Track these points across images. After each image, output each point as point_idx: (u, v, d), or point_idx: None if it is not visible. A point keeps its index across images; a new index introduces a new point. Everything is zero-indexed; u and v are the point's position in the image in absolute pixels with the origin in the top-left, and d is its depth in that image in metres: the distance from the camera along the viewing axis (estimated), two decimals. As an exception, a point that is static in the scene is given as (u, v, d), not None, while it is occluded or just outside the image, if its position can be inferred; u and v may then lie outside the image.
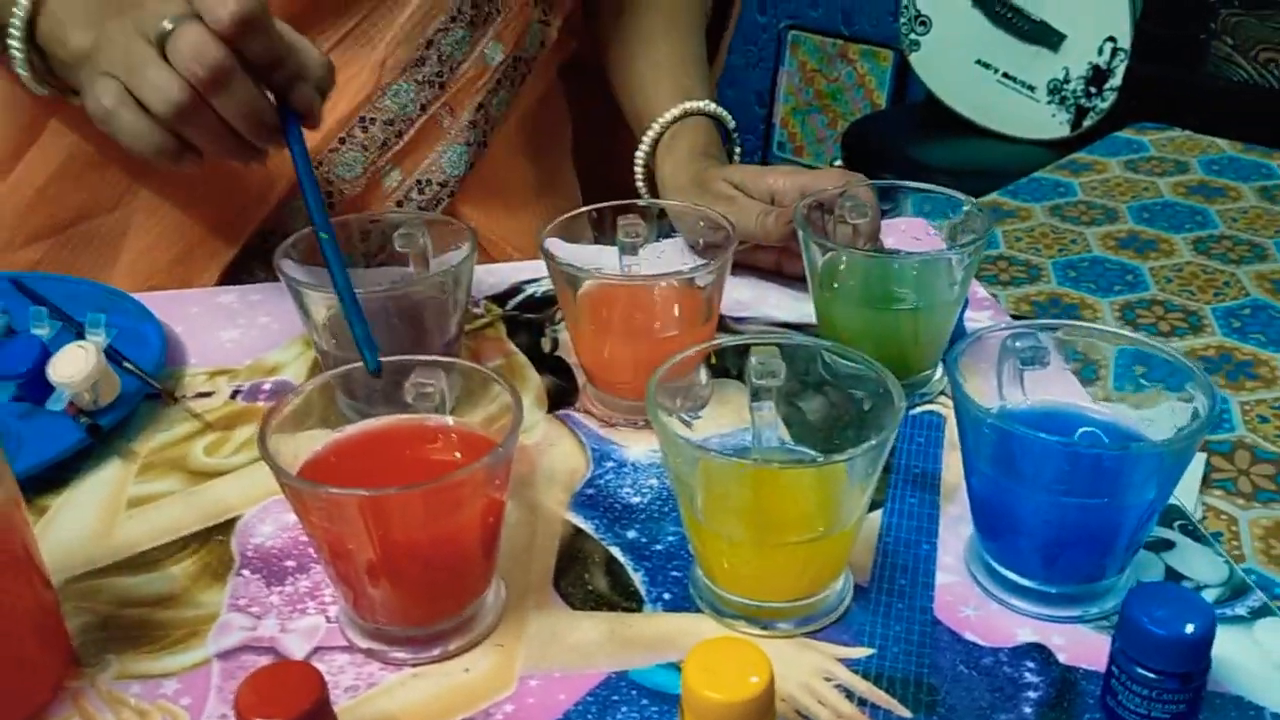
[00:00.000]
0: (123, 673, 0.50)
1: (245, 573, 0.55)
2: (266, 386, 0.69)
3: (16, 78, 0.71)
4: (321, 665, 0.50)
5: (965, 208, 0.68)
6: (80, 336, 0.65)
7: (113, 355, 0.65)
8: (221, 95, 0.58)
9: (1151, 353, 0.54)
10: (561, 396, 0.68)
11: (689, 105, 0.85)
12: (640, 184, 0.85)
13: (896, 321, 0.66)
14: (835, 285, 0.67)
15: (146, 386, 0.66)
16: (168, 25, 0.58)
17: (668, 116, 0.85)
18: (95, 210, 0.83)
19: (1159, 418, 0.52)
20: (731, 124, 0.88)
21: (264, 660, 0.50)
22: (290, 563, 0.56)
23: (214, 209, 0.83)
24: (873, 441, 0.48)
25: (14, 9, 0.66)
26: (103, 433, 0.62)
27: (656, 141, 0.85)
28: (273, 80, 0.61)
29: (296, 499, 0.48)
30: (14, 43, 0.67)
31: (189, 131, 0.59)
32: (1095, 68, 2.02)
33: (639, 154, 0.84)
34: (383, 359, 0.55)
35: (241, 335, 0.74)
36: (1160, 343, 0.54)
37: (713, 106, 0.87)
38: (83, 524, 0.58)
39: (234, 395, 0.68)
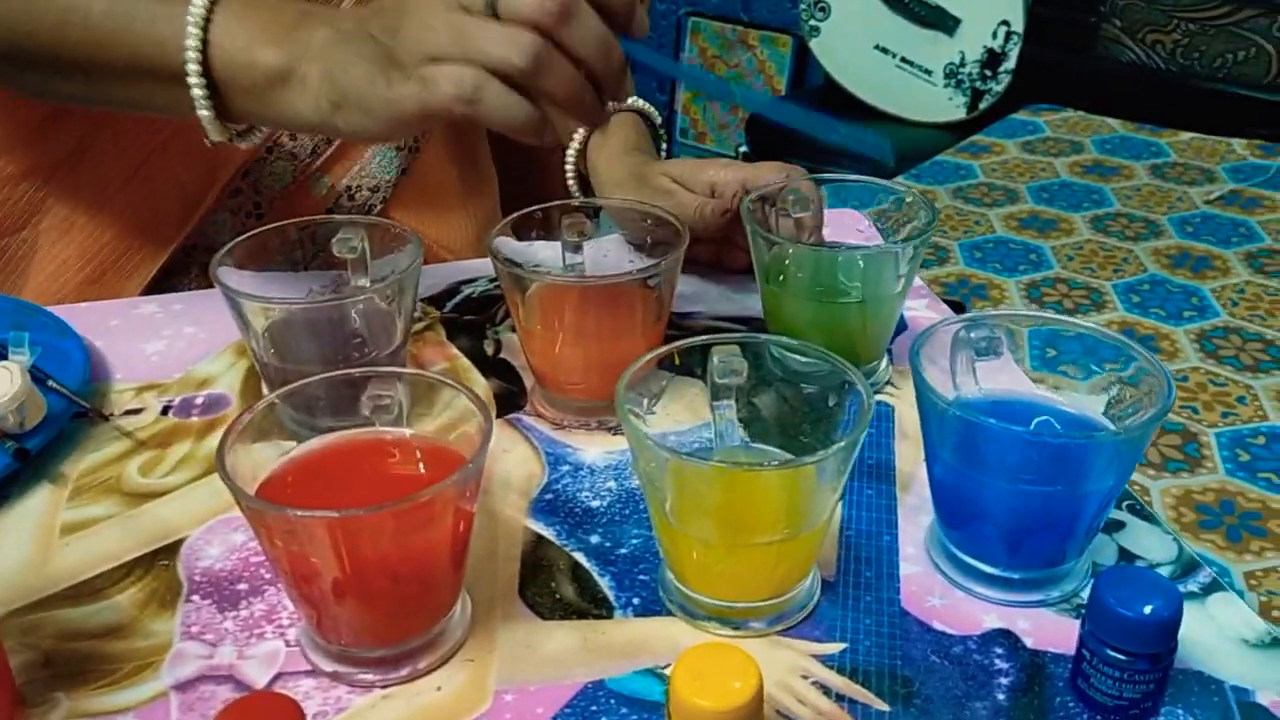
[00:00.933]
0: (74, 711, 0.47)
1: (195, 598, 0.53)
2: (199, 400, 0.67)
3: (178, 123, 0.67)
4: (285, 692, 0.48)
5: (906, 199, 0.69)
6: (3, 356, 0.62)
7: (37, 375, 0.62)
8: (572, 26, 0.55)
9: (1098, 338, 0.55)
10: (509, 400, 0.67)
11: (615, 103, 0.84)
12: (571, 182, 0.84)
13: (844, 314, 0.67)
14: (782, 279, 0.67)
15: (74, 406, 0.63)
16: None
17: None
18: (1, 231, 0.79)
19: (1097, 401, 0.54)
20: (658, 119, 0.88)
21: (224, 690, 0.48)
22: (243, 585, 0.54)
23: (131, 226, 0.79)
24: (843, 442, 0.48)
25: (185, 52, 0.62)
26: (30, 456, 0.59)
27: (586, 139, 0.84)
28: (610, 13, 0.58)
29: (258, 521, 0.46)
30: (194, 83, 0.62)
31: (549, 81, 0.55)
32: (990, 51, 2.07)
33: (569, 153, 0.83)
34: (332, 373, 0.53)
35: (167, 347, 0.71)
36: (1091, 323, 0.55)
37: (640, 102, 0.86)
38: (16, 554, 0.55)
39: (165, 411, 0.66)
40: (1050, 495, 0.50)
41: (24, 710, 0.48)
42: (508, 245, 0.66)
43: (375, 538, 0.46)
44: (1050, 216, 1.52)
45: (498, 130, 0.57)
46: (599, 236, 0.71)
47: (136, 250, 0.80)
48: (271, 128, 0.68)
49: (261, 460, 0.50)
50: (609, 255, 0.68)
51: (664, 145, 0.89)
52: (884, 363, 0.69)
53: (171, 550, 0.56)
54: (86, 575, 0.54)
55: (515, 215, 0.66)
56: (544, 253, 0.69)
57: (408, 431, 0.52)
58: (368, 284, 0.65)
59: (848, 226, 0.84)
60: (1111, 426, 0.52)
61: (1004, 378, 0.58)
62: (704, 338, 0.55)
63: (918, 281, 0.79)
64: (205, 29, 0.62)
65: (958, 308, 1.29)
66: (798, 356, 0.54)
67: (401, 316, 0.63)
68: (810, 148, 2.12)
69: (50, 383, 0.63)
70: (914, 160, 1.66)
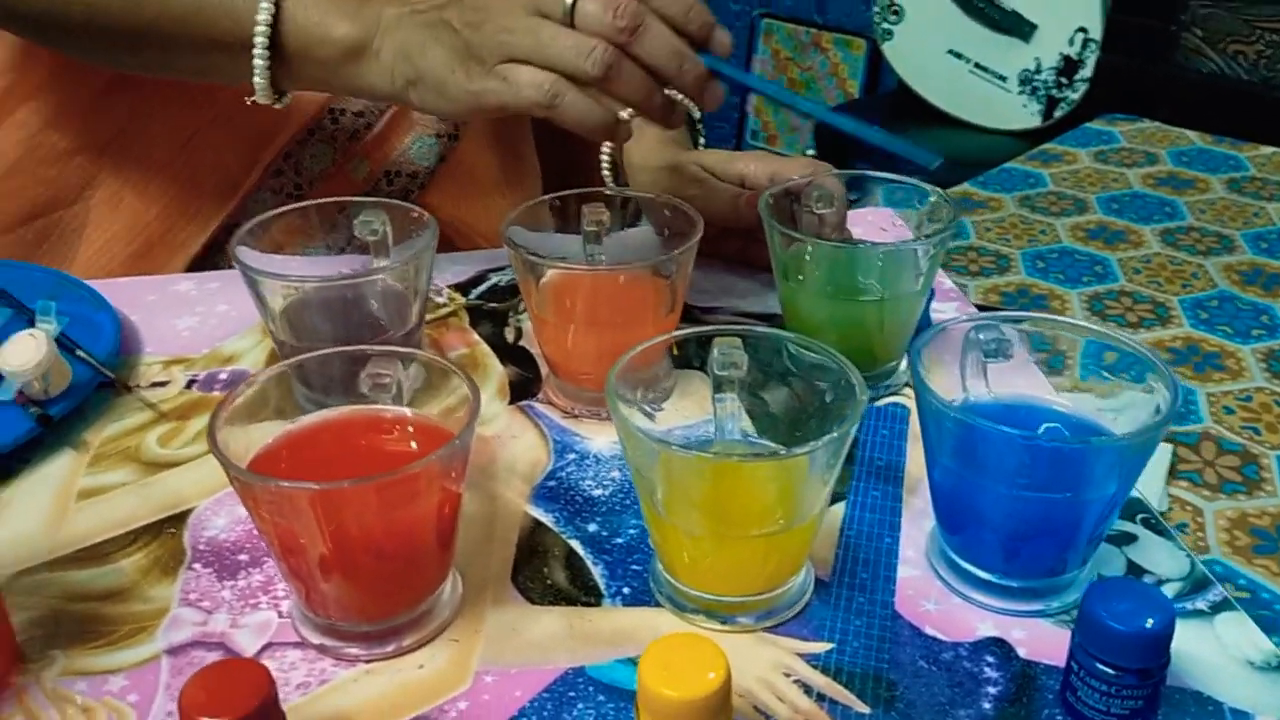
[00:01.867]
0: (69, 669, 0.49)
1: (196, 566, 0.54)
2: (223, 376, 0.68)
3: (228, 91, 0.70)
4: (272, 662, 0.49)
5: (931, 198, 0.67)
6: (32, 324, 0.64)
7: (65, 343, 0.64)
8: (643, 39, 0.60)
9: (1116, 345, 0.53)
10: (524, 387, 0.68)
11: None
12: (606, 171, 0.84)
13: (862, 312, 0.65)
14: (800, 276, 0.66)
15: (100, 376, 0.64)
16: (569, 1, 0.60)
17: None
18: (54, 204, 0.82)
19: (1123, 409, 0.52)
20: (697, 113, 0.87)
21: (214, 656, 0.49)
22: (243, 556, 0.55)
23: (176, 203, 0.81)
24: (834, 434, 0.47)
25: (255, 20, 0.65)
26: (53, 422, 0.61)
27: None
28: (686, 33, 0.62)
29: (246, 493, 0.47)
30: (258, 53, 0.66)
31: (621, 88, 0.60)
32: (1066, 58, 2.02)
33: (606, 142, 0.83)
34: (341, 349, 0.54)
35: (199, 323, 0.73)
36: (1125, 334, 0.54)
37: (678, 95, 0.86)
38: (32, 516, 0.57)
39: (189, 385, 0.67)
40: (1049, 502, 0.49)
41: (21, 665, 0.49)
42: (529, 236, 0.66)
43: (359, 512, 0.47)
44: (1119, 228, 1.48)
45: (573, 130, 0.61)
46: (623, 228, 0.70)
47: (181, 227, 0.82)
48: (339, 94, 0.71)
49: (264, 434, 0.51)
50: (629, 246, 0.68)
51: (701, 140, 0.88)
52: (903, 364, 0.67)
53: (180, 519, 0.57)
54: (96, 539, 0.56)
55: (531, 203, 0.67)
56: (570, 244, 0.69)
57: (407, 411, 0.53)
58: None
59: (876, 225, 0.83)
60: (1117, 433, 0.51)
61: (1021, 381, 0.57)
62: (702, 329, 0.54)
63: (948, 284, 0.78)
64: (278, 2, 0.65)
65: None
66: (801, 350, 0.53)
67: (416, 299, 0.64)
68: (878, 152, 2.10)
69: (79, 352, 0.64)
70: (985, 167, 1.63)
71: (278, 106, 0.70)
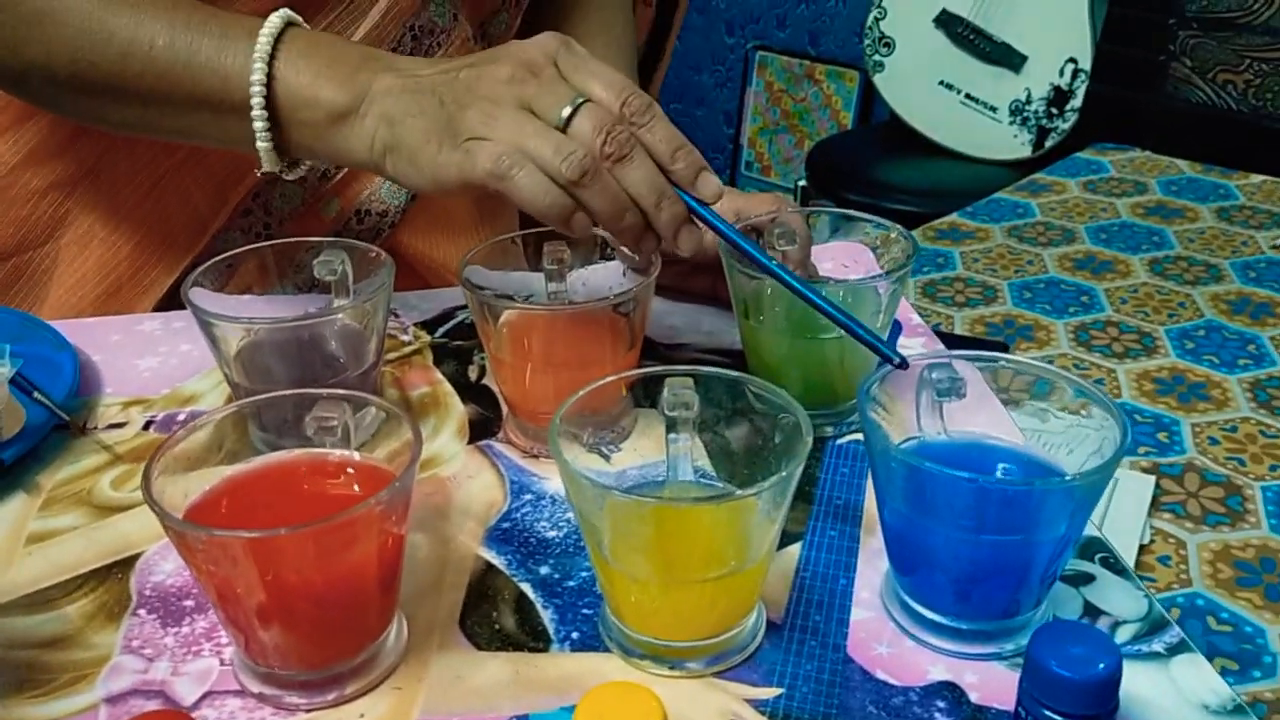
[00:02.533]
0: (5, 718, 0.48)
1: (141, 612, 0.53)
2: (181, 416, 0.68)
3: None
4: (211, 711, 0.48)
5: (891, 234, 0.67)
6: (-15, 367, 0.64)
7: (21, 385, 0.64)
8: (627, 166, 0.59)
9: (1070, 383, 0.53)
10: (485, 426, 0.67)
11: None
12: None
13: (822, 350, 0.65)
14: (760, 315, 0.65)
15: (55, 417, 0.64)
16: (568, 110, 0.59)
17: None
18: (23, 246, 0.82)
19: (1077, 448, 0.52)
20: None
21: (153, 705, 0.49)
22: (189, 602, 0.54)
23: (146, 243, 0.81)
24: (780, 474, 0.46)
25: (250, 86, 0.64)
26: (5, 466, 0.61)
27: None
28: (671, 173, 0.61)
29: (180, 541, 0.46)
30: (257, 115, 0.65)
31: (594, 198, 0.59)
32: (1056, 89, 2.02)
33: None
34: (284, 392, 0.53)
35: (160, 364, 0.73)
36: (1074, 375, 0.53)
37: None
38: (-22, 562, 0.57)
39: (147, 426, 0.67)
40: (999, 544, 0.48)
41: (-43, 716, 0.48)
42: (490, 275, 0.66)
43: (296, 559, 0.46)
44: (1107, 258, 1.47)
45: (529, 212, 0.60)
46: (586, 265, 0.70)
47: (151, 267, 0.82)
48: (321, 162, 0.70)
49: (203, 479, 0.50)
50: (588, 283, 0.68)
51: None
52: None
53: (127, 564, 0.57)
54: (43, 585, 0.55)
55: (490, 241, 0.66)
56: (533, 282, 0.69)
57: (354, 454, 0.52)
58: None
59: (842, 259, 0.82)
60: (1068, 472, 0.50)
61: (982, 418, 0.56)
62: (654, 369, 0.54)
63: (916, 320, 0.77)
64: (270, 64, 0.64)
65: (1001, 348, 1.26)
66: (751, 391, 0.53)
67: (374, 338, 0.63)
68: (867, 183, 2.10)
69: (35, 394, 0.64)
70: (976, 197, 1.63)
71: (289, 178, 0.69)
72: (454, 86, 0.61)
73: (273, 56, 0.64)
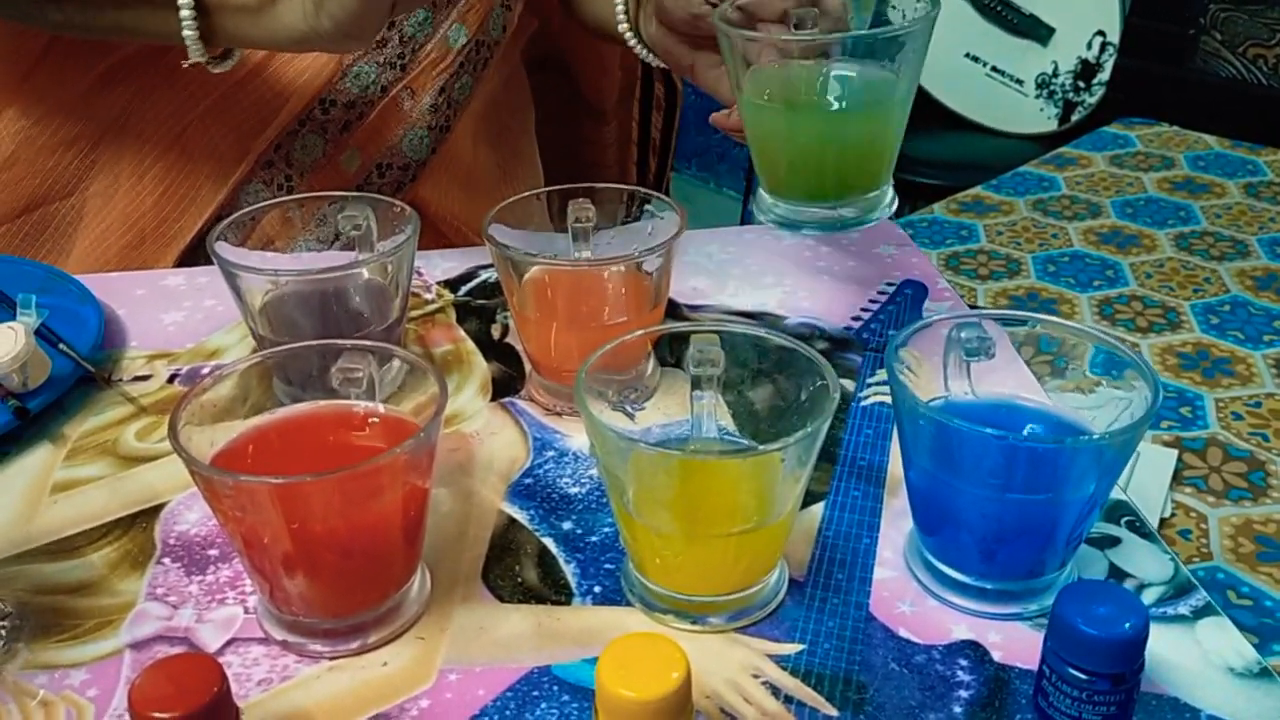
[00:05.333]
0: (31, 662, 0.48)
1: (165, 561, 0.54)
2: (205, 370, 0.68)
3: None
4: (235, 657, 0.49)
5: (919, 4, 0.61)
6: (13, 317, 0.64)
7: (47, 336, 0.64)
8: None
9: (1101, 344, 0.52)
10: (507, 384, 0.67)
11: None
12: (624, 25, 0.80)
13: (819, 124, 0.61)
14: (769, 93, 0.61)
15: (80, 369, 0.64)
16: None
17: None
18: (49, 197, 0.82)
19: (1106, 409, 0.51)
20: None
21: (177, 651, 0.49)
22: (213, 551, 0.54)
23: (169, 194, 0.81)
24: (805, 430, 0.46)
25: None
26: (31, 415, 0.61)
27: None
28: None
29: (207, 488, 0.46)
30: (184, 9, 0.66)
31: None
32: (1084, 62, 2.00)
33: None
34: (310, 343, 0.53)
35: (185, 318, 0.73)
36: (1109, 333, 0.52)
37: None
38: (5, 509, 0.57)
39: (171, 379, 0.67)
40: (1026, 503, 0.48)
41: (-15, 658, 0.49)
42: (515, 234, 0.65)
43: (322, 507, 0.46)
44: (1132, 232, 1.46)
45: None
46: (613, 225, 0.70)
47: (175, 219, 0.82)
48: (260, 48, 0.70)
49: (228, 430, 0.51)
50: (612, 243, 0.67)
51: None
52: (888, 195, 0.64)
53: (152, 514, 0.57)
54: (68, 532, 0.56)
55: (514, 199, 0.66)
56: (558, 241, 0.69)
57: (380, 407, 0.52)
58: (371, 261, 0.65)
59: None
60: (1096, 433, 0.50)
61: (1010, 380, 0.56)
62: (679, 325, 0.54)
63: (942, 284, 0.77)
64: None
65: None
66: (779, 347, 0.52)
67: (398, 294, 0.63)
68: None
69: (60, 345, 0.64)
70: (1001, 170, 1.61)
71: (215, 69, 0.70)
72: None
73: None
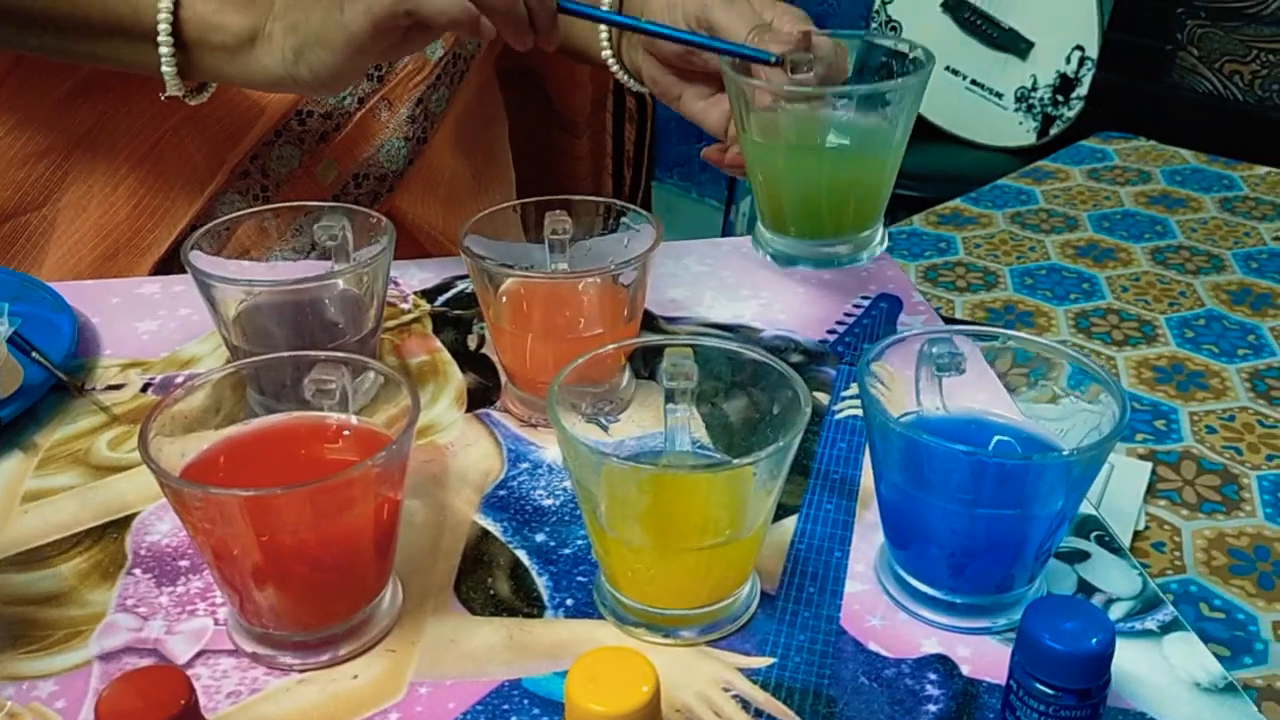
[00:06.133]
0: (-1, 673, 0.48)
1: (136, 571, 0.54)
2: (179, 379, 0.68)
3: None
4: (205, 669, 0.48)
5: (912, 53, 0.66)
6: (-17, 326, 0.63)
7: (20, 344, 0.64)
8: None
9: (1072, 361, 0.52)
10: (483, 395, 0.67)
11: None
12: (606, 4, 0.79)
13: (818, 162, 0.64)
14: (769, 132, 0.64)
15: (53, 377, 0.64)
16: None
17: None
18: (20, 209, 0.82)
19: (1075, 425, 0.51)
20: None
21: (146, 663, 0.49)
22: (184, 562, 0.54)
23: (143, 205, 0.81)
24: (778, 444, 0.46)
25: (157, 9, 0.67)
26: (2, 424, 0.61)
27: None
28: None
29: (177, 499, 0.46)
30: (163, 41, 0.68)
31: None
32: (1063, 76, 2.02)
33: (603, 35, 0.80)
34: (283, 354, 0.53)
35: (160, 327, 0.73)
36: (1077, 350, 0.53)
37: None
38: (-26, 519, 0.57)
39: (145, 388, 0.67)
40: (995, 518, 0.48)
41: (-49, 669, 0.48)
42: (492, 244, 0.65)
43: (292, 520, 0.46)
44: (1109, 246, 1.47)
45: (438, 27, 0.62)
46: (588, 237, 0.70)
47: (149, 230, 0.82)
48: (238, 85, 0.72)
49: (200, 440, 0.50)
50: (589, 254, 0.68)
51: None
52: (880, 232, 0.66)
53: (123, 524, 0.57)
54: (37, 543, 0.55)
55: (491, 210, 0.66)
56: (534, 253, 0.69)
57: (353, 418, 0.52)
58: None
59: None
60: (1064, 449, 0.50)
61: (981, 395, 0.56)
62: (653, 338, 0.54)
63: (917, 297, 0.77)
64: None
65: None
66: (751, 361, 0.53)
67: (373, 304, 0.63)
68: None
69: (34, 354, 0.64)
70: (981, 183, 1.62)
71: (192, 102, 0.72)
72: None
73: None
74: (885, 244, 0.68)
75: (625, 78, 0.81)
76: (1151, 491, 1.00)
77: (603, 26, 0.79)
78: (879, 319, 0.75)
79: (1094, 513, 0.57)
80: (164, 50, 0.68)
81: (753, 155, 0.66)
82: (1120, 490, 0.99)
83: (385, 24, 0.62)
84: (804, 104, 0.63)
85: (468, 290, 0.78)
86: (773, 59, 0.63)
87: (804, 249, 0.67)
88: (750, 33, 0.67)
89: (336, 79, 0.66)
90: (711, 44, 0.67)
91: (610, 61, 0.81)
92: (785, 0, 0.72)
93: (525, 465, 0.61)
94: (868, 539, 0.56)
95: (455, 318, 0.75)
